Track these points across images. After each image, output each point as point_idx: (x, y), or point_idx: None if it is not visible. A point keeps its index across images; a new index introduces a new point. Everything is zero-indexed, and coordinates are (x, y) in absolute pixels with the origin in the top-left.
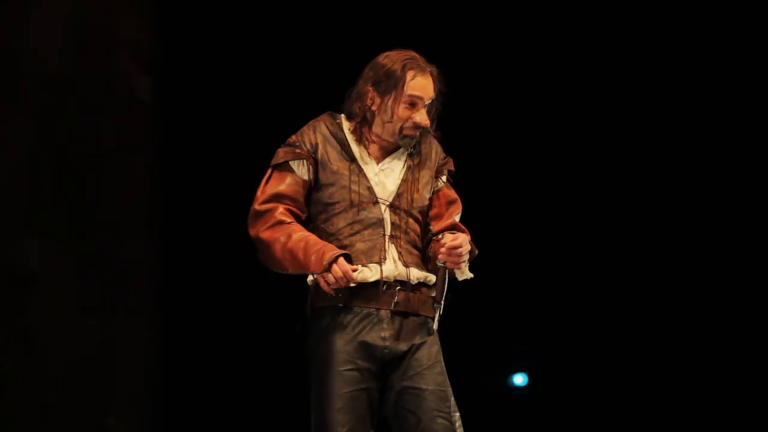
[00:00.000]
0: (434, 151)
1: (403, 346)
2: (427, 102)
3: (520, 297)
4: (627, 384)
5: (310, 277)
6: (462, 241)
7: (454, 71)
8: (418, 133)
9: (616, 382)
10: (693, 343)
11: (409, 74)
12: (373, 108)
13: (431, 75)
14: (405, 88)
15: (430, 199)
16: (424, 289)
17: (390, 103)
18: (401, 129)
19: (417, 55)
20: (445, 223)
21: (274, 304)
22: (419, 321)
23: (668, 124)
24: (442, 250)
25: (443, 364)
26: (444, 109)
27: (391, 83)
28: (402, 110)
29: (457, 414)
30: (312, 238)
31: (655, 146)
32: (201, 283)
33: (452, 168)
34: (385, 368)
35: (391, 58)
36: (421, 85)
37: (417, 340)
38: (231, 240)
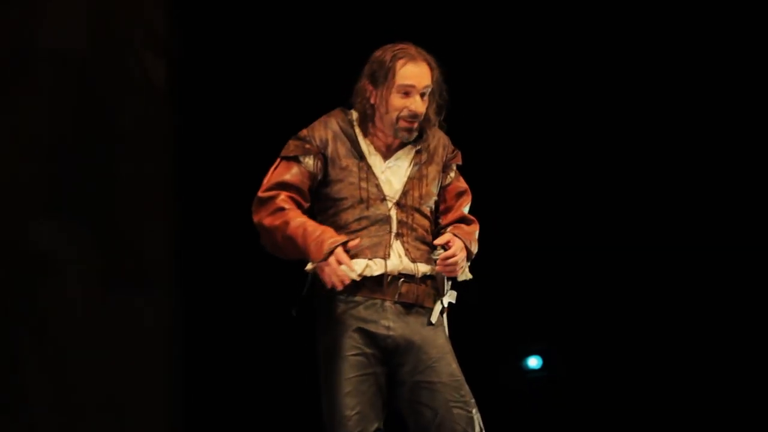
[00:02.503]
0: (441, 145)
1: (407, 337)
2: (422, 90)
3: (534, 280)
4: (641, 366)
5: (309, 265)
6: (455, 250)
7: (460, 67)
8: (415, 124)
9: (630, 363)
10: (708, 328)
11: (399, 63)
12: (372, 101)
13: (426, 63)
14: (396, 77)
15: (439, 193)
16: (430, 282)
17: (384, 94)
18: (397, 119)
19: (411, 46)
20: (453, 215)
21: (296, 286)
22: (424, 313)
23: (679, 120)
24: (438, 261)
25: (453, 353)
26: (451, 103)
27: (382, 74)
28: (396, 100)
29: (473, 400)
30: (311, 224)
31: (670, 138)
32: (222, 265)
33: (460, 162)
34: (388, 356)
35: (384, 50)
36: (412, 72)
37: (423, 333)
38: (251, 222)
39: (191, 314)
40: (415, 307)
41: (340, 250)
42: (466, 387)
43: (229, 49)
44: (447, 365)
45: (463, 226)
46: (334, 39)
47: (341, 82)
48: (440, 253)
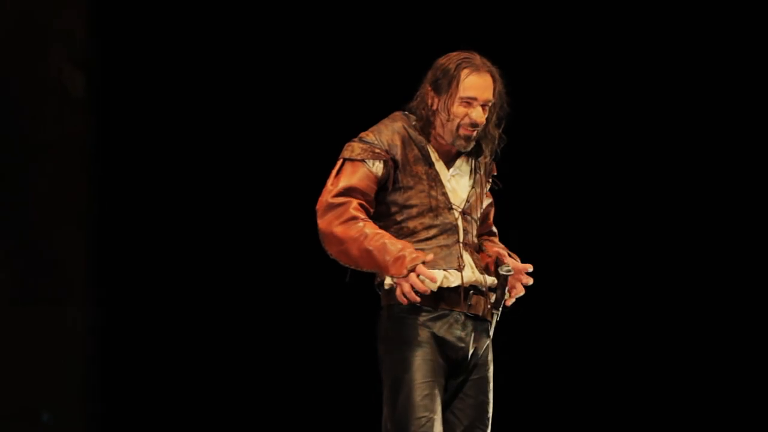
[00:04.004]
0: (487, 155)
1: (472, 349)
2: (483, 103)
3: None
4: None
5: (388, 280)
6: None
7: None
8: (474, 133)
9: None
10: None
11: (464, 73)
12: (434, 108)
13: (490, 74)
14: (459, 86)
15: None
16: (490, 294)
17: (446, 101)
18: (458, 128)
19: (476, 55)
20: (485, 227)
21: (211, 293)
22: (486, 326)
23: (672, 121)
24: (523, 279)
25: (492, 370)
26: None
27: (446, 82)
28: (457, 108)
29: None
30: (389, 238)
31: (654, 138)
32: (138, 275)
33: (495, 172)
34: (454, 368)
35: (448, 58)
36: (475, 84)
37: (482, 346)
38: (167, 231)
39: (108, 325)
40: (479, 319)
41: (421, 267)
42: (491, 410)
43: (150, 60)
44: (486, 384)
45: (496, 240)
46: (252, 49)
47: (259, 90)
48: (509, 268)
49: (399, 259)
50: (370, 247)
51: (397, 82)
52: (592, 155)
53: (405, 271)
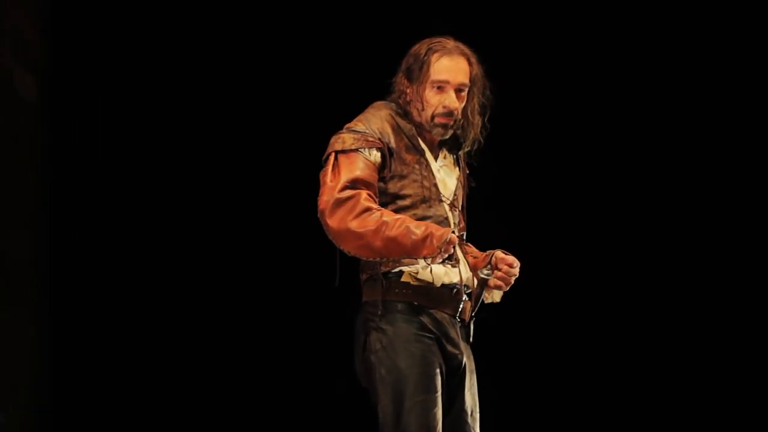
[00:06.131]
0: (468, 145)
1: (463, 358)
2: (457, 86)
3: None
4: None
5: (422, 262)
6: (517, 265)
7: None
8: (451, 120)
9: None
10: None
11: (434, 56)
12: (408, 98)
13: (464, 58)
14: (430, 71)
15: None
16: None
17: (418, 88)
18: (433, 116)
19: (450, 39)
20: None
21: (160, 294)
22: (465, 332)
23: (668, 122)
24: (503, 267)
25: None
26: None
27: (417, 68)
28: (430, 95)
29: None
30: (410, 221)
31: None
32: (88, 277)
33: (468, 171)
34: (451, 376)
35: (419, 45)
36: (447, 67)
37: (468, 354)
38: (117, 233)
39: (58, 327)
40: (463, 323)
41: (453, 237)
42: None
43: (102, 62)
44: (474, 394)
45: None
46: (210, 50)
47: (217, 92)
48: (489, 272)
49: (427, 237)
50: (394, 234)
51: (377, 79)
52: (580, 151)
53: (437, 249)
